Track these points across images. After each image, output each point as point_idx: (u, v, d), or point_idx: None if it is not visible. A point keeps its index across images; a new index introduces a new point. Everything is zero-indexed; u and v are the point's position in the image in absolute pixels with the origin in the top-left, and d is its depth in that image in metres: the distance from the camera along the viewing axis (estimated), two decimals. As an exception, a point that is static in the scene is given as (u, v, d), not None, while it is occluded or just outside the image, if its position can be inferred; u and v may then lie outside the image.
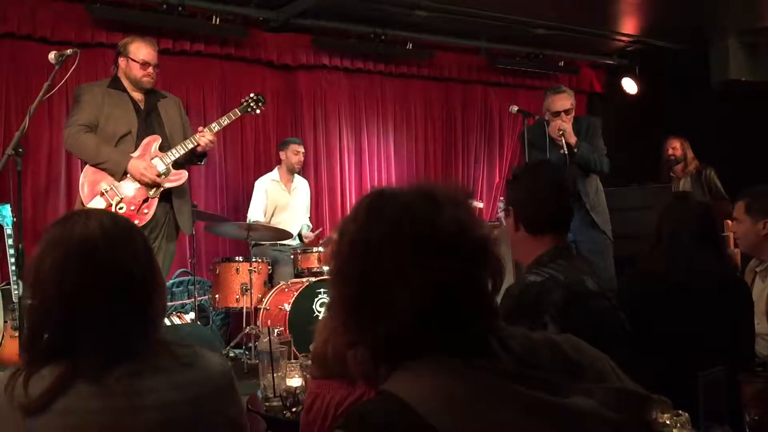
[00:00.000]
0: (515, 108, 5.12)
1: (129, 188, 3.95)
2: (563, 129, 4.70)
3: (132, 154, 3.96)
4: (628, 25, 6.86)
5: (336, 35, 6.47)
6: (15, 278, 4.08)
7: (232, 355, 5.17)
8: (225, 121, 4.28)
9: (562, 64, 7.58)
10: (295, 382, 2.38)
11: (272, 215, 5.83)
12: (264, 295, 5.19)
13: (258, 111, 4.53)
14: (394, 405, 0.99)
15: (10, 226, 4.42)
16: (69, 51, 3.58)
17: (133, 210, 3.94)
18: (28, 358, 1.34)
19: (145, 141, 4.02)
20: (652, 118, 7.03)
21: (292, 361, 2.52)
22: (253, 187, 5.95)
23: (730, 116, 6.54)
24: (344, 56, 6.63)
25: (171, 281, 5.74)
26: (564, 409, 0.99)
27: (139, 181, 3.94)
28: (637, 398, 1.06)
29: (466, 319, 1.05)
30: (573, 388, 1.04)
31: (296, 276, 5.43)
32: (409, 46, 6.73)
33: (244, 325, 5.12)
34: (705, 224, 2.57)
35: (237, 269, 5.23)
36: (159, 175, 3.98)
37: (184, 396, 1.32)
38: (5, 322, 4.40)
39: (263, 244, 5.74)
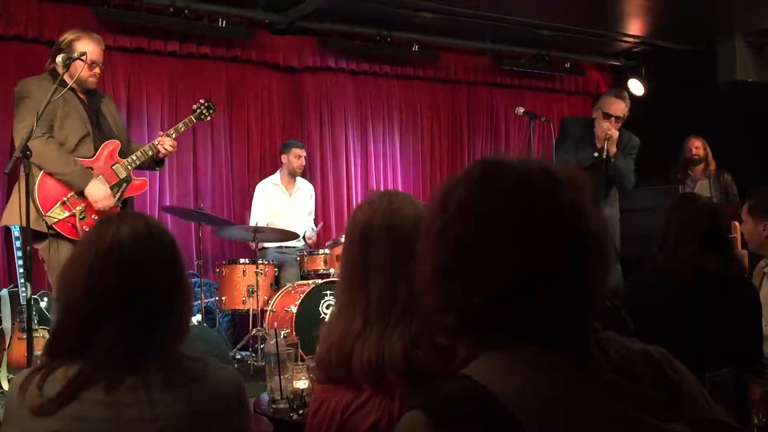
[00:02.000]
0: (521, 109, 5.13)
1: (90, 196, 3.77)
2: (611, 135, 4.62)
3: (91, 160, 3.82)
4: (635, 26, 6.85)
5: (341, 37, 6.48)
6: (23, 281, 4.09)
7: (238, 357, 5.19)
8: (182, 127, 4.23)
9: (568, 65, 7.57)
10: (301, 384, 2.38)
11: (275, 218, 5.82)
12: (270, 297, 5.20)
13: (209, 118, 4.44)
14: (479, 393, 0.93)
15: (18, 229, 4.44)
16: (76, 54, 3.59)
17: (95, 219, 3.76)
18: (48, 356, 1.36)
19: (105, 146, 3.89)
20: (658, 119, 7.00)
21: (299, 363, 2.53)
22: (259, 189, 5.96)
23: (737, 117, 6.52)
24: (350, 58, 6.64)
25: (178, 283, 5.75)
26: None
27: (93, 204, 3.77)
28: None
29: (566, 310, 0.98)
30: (674, 413, 0.98)
31: (302, 278, 5.44)
32: (415, 47, 6.73)
33: (250, 327, 5.13)
34: (711, 225, 2.57)
35: (243, 271, 5.24)
36: (116, 198, 3.88)
37: (190, 410, 1.33)
38: (13, 324, 4.42)
39: (268, 247, 5.75)
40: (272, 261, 5.46)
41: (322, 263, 5.40)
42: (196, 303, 5.58)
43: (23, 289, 4.17)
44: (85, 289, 1.34)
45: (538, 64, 7.38)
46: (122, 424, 1.28)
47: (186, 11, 5.57)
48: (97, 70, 3.89)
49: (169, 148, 4.09)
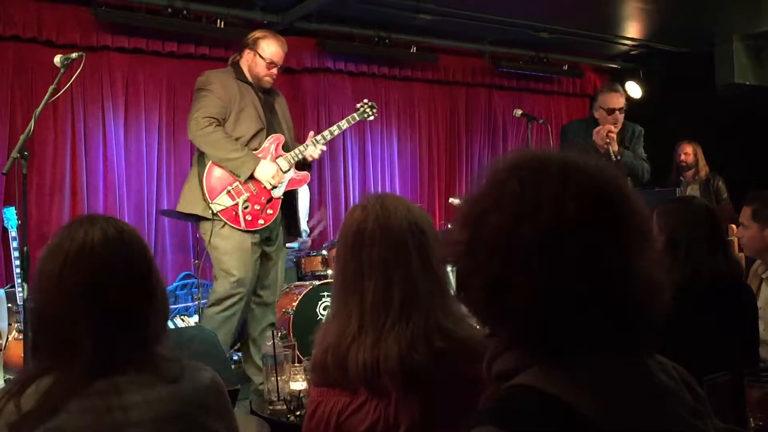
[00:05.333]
0: (519, 111, 5.13)
1: (254, 188, 3.93)
2: (611, 138, 4.64)
3: (257, 152, 3.95)
4: (633, 29, 6.86)
5: (340, 38, 6.47)
6: (20, 281, 4.08)
7: (235, 358, 5.17)
8: (344, 124, 4.33)
9: (566, 67, 7.58)
10: (298, 385, 2.38)
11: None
12: (268, 298, 5.18)
13: (371, 117, 4.51)
14: (553, 404, 0.89)
15: (15, 229, 4.44)
16: (75, 54, 3.56)
17: (257, 209, 3.93)
18: (25, 369, 1.34)
19: (269, 140, 4.00)
20: (656, 122, 7.00)
21: (296, 364, 2.53)
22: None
23: (735, 120, 6.53)
24: (348, 59, 6.63)
25: (174, 284, 5.75)
26: None
27: (266, 183, 3.93)
28: None
29: (633, 322, 0.95)
30: (709, 422, 0.98)
31: (299, 279, 5.43)
32: (413, 49, 6.73)
33: (247, 328, 5.11)
34: (713, 227, 2.56)
35: (241, 272, 5.23)
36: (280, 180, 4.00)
37: (168, 411, 1.31)
38: (10, 324, 4.41)
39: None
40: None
41: (319, 265, 5.40)
42: (193, 304, 5.58)
43: (20, 289, 4.16)
44: (56, 293, 1.32)
45: (536, 66, 7.39)
46: (102, 430, 1.26)
47: (184, 12, 5.56)
48: (274, 70, 4.08)
49: (316, 156, 4.19)
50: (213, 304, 4.01)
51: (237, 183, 3.90)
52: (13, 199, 4.63)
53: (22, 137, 3.30)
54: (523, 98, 7.58)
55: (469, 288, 0.99)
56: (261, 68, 4.01)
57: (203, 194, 3.90)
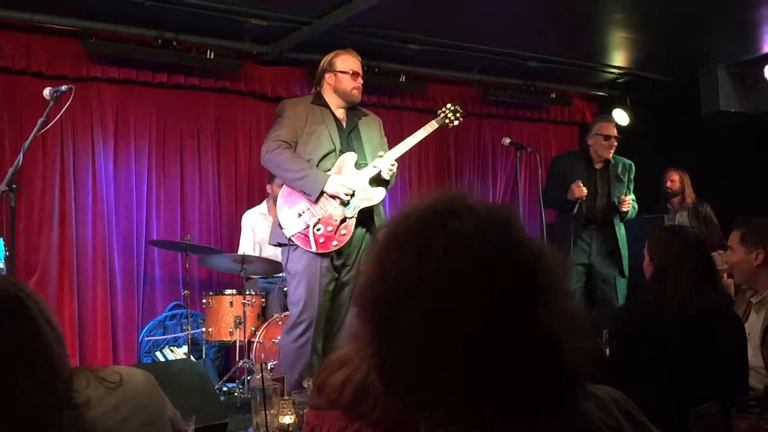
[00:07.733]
0: (507, 140, 5.18)
1: (326, 209, 3.84)
2: (628, 210, 5.12)
3: (329, 172, 3.86)
4: (619, 58, 6.94)
5: (330, 68, 6.51)
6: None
7: (225, 389, 5.13)
8: (422, 133, 4.18)
9: (554, 95, 7.64)
10: (287, 419, 2.36)
11: (261, 250, 5.79)
12: (257, 328, 5.16)
13: (455, 123, 4.34)
14: None
15: (2, 261, 4.41)
16: (64, 87, 3.57)
17: (330, 231, 3.82)
18: None
19: (341, 158, 3.91)
20: (643, 149, 7.07)
21: (285, 397, 2.51)
22: (247, 219, 5.94)
23: (721, 147, 6.59)
24: (338, 89, 6.67)
25: (164, 314, 5.72)
26: None
27: (335, 197, 3.81)
28: None
29: (554, 383, 0.88)
30: None
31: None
32: (402, 78, 6.78)
33: (237, 359, 5.08)
34: (702, 256, 2.58)
35: (230, 302, 5.21)
36: (353, 208, 3.87)
37: (124, 412, 1.35)
38: None
39: (255, 277, 5.71)
40: (260, 292, 5.42)
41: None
42: (182, 334, 5.54)
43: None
44: None
45: (525, 95, 7.45)
46: None
47: (174, 43, 5.60)
48: (360, 80, 4.02)
49: (392, 170, 4.03)
50: (285, 333, 4.00)
51: (308, 205, 3.84)
52: (1, 231, 4.61)
53: (10, 170, 3.30)
54: (511, 126, 7.63)
55: (391, 385, 0.94)
56: (347, 82, 3.98)
57: (277, 220, 3.93)
